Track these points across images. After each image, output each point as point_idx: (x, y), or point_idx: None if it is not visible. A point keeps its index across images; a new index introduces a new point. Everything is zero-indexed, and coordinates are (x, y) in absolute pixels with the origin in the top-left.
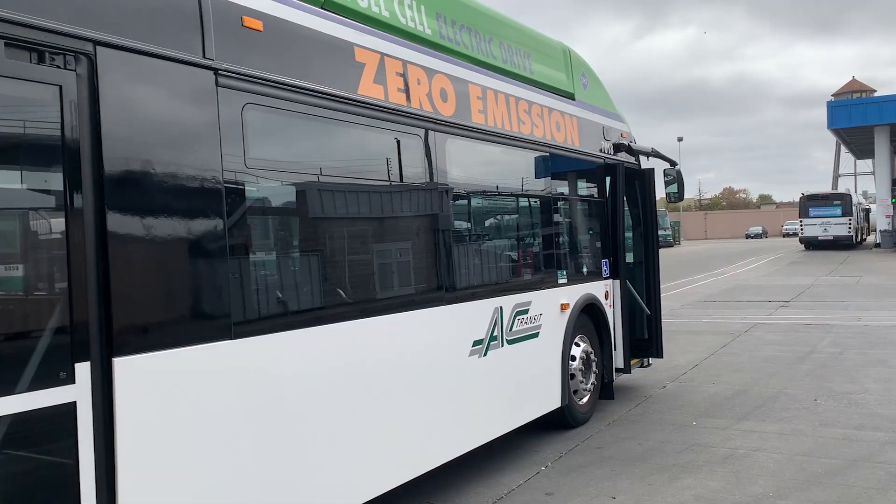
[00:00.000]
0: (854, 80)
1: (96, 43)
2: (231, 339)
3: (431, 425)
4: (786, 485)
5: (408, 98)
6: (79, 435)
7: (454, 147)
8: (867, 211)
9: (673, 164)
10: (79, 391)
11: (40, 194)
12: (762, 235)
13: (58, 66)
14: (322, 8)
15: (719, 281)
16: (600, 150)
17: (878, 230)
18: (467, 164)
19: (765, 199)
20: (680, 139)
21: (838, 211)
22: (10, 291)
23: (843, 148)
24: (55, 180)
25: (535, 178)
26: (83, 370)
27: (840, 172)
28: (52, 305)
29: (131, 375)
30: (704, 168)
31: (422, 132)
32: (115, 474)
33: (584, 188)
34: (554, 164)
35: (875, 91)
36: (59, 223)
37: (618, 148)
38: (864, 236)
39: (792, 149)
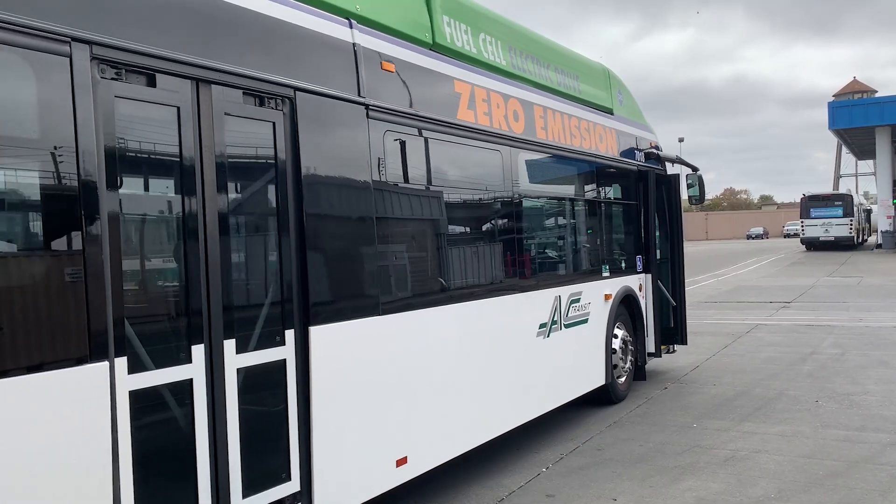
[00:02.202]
0: (855, 81)
1: (296, 89)
2: (380, 315)
3: (513, 392)
4: (787, 487)
5: (491, 120)
6: (287, 382)
7: (524, 160)
8: (868, 212)
9: (695, 169)
10: (287, 351)
11: (261, 201)
12: (763, 236)
13: (272, 108)
14: (431, 49)
15: (720, 282)
16: (634, 159)
17: (879, 231)
18: (534, 175)
19: (766, 200)
20: (681, 140)
21: (839, 212)
22: (244, 276)
23: (844, 148)
24: (271, 191)
25: (584, 184)
26: (290, 335)
27: (841, 173)
28: (272, 286)
29: (320, 339)
30: (705, 169)
31: (500, 148)
32: (309, 408)
33: (622, 192)
34: (598, 171)
35: (876, 92)
36: (273, 225)
37: (648, 156)
38: (866, 237)
39: (792, 149)
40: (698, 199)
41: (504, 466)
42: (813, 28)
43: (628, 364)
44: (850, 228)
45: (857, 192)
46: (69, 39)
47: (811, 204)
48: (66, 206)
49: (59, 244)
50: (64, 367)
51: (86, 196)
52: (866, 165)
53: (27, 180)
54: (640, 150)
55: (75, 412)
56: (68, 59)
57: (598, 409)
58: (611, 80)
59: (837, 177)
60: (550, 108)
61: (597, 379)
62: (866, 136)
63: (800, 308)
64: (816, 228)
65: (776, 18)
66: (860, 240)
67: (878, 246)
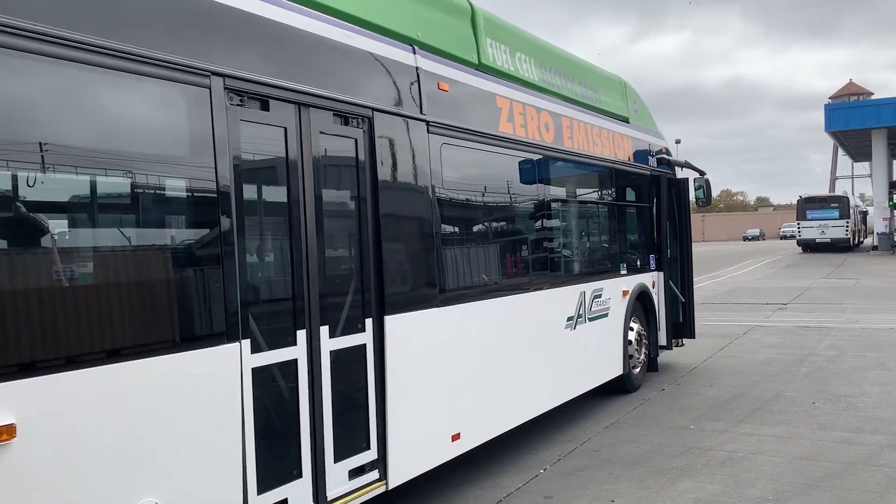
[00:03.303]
0: (851, 83)
1: (373, 110)
2: (438, 307)
3: (545, 378)
4: (784, 488)
5: (526, 131)
6: (367, 364)
7: (554, 167)
8: (864, 213)
9: (702, 173)
10: (367, 336)
11: (347, 207)
12: (760, 238)
13: (355, 126)
14: (477, 69)
15: (717, 283)
16: (648, 164)
17: (875, 233)
18: (563, 180)
19: (762, 202)
20: (678, 141)
21: (836, 213)
22: (335, 271)
23: (840, 150)
24: (354, 198)
25: (604, 188)
26: (369, 323)
27: (837, 175)
28: (355, 280)
29: (393, 327)
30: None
31: (533, 156)
32: (385, 387)
33: (637, 196)
34: (616, 176)
35: (872, 94)
36: (356, 227)
37: (660, 161)
38: (861, 239)
39: (788, 151)
40: (705, 202)
41: (502, 468)
42: (809, 30)
43: (642, 356)
44: (847, 230)
45: (853, 193)
46: (209, 74)
47: (808, 206)
48: (208, 212)
49: (206, 242)
50: (209, 346)
51: (223, 203)
52: (863, 167)
53: (177, 189)
54: (652, 156)
55: (216, 382)
56: (208, 90)
57: (597, 408)
58: (626, 91)
59: (834, 179)
60: (575, 119)
61: (615, 369)
62: (863, 138)
63: (796, 310)
64: (813, 230)
65: (772, 21)
66: (856, 242)
67: (875, 248)
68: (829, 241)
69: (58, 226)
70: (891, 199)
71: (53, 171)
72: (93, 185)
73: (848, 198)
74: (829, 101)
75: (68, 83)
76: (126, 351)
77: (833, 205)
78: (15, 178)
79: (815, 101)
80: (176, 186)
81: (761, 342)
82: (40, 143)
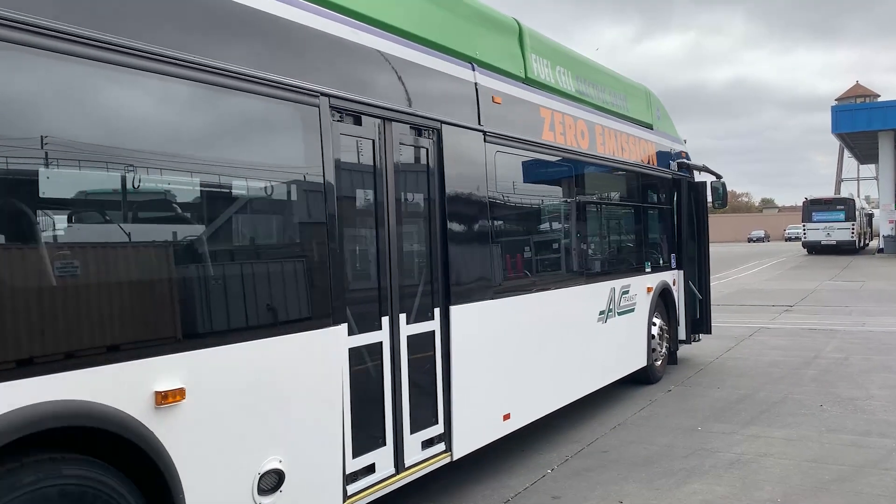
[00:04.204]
0: (858, 85)
1: (442, 122)
2: (491, 299)
3: (581, 367)
4: (793, 491)
5: (565, 139)
6: (435, 348)
7: (589, 171)
8: (870, 216)
9: (718, 177)
10: (435, 324)
11: (420, 209)
12: (764, 239)
13: (426, 137)
14: (523, 82)
15: (722, 284)
16: (669, 168)
17: (881, 235)
18: (597, 183)
19: (767, 203)
20: (684, 141)
21: (842, 216)
22: (411, 264)
23: (846, 153)
24: (425, 201)
25: (631, 191)
26: (437, 312)
27: (843, 177)
28: (426, 274)
29: (457, 316)
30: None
31: (571, 162)
32: (449, 369)
33: (660, 198)
34: (642, 180)
35: (879, 96)
36: (427, 226)
37: (680, 165)
38: (867, 241)
39: (790, 153)
40: (721, 204)
41: (509, 468)
42: (812, 32)
43: (664, 349)
44: (853, 233)
45: (858, 196)
46: (319, 94)
47: (814, 208)
48: (320, 215)
49: (318, 241)
50: (320, 328)
51: (330, 207)
52: (868, 170)
53: (299, 195)
54: (673, 160)
55: (325, 358)
56: (317, 108)
57: (604, 409)
58: (650, 99)
59: (839, 181)
60: (607, 127)
61: (639, 361)
62: (870, 140)
63: (802, 312)
64: (818, 232)
65: (776, 21)
66: (861, 244)
67: (880, 250)
68: (834, 243)
69: (220, 228)
70: None
71: (202, 178)
72: (229, 192)
73: (854, 200)
74: (836, 102)
75: (226, 105)
76: (262, 331)
77: (839, 207)
78: (199, 191)
79: (818, 103)
80: (297, 192)
81: (767, 344)
82: (210, 157)
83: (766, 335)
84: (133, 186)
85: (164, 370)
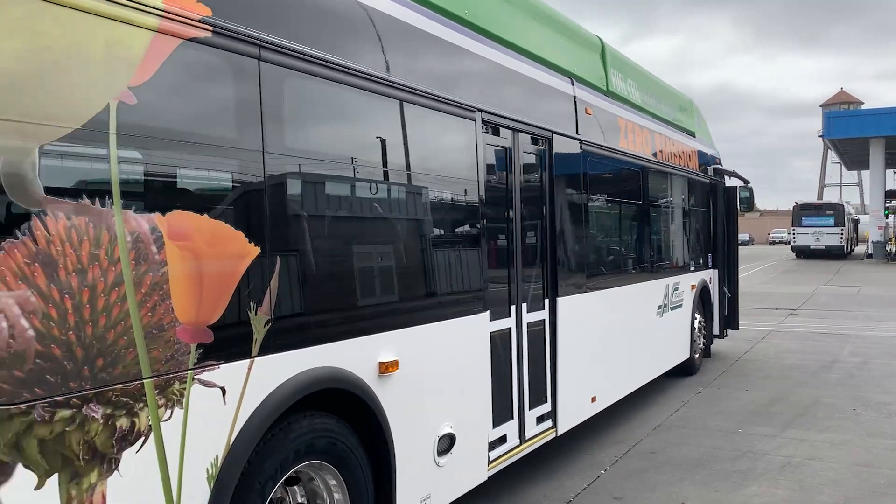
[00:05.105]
0: (843, 92)
1: (553, 132)
2: (585, 292)
3: (645, 355)
4: (852, 494)
5: (634, 146)
6: (545, 334)
7: (652, 177)
8: (856, 222)
9: (746, 182)
10: (546, 314)
11: (537, 209)
12: (749, 242)
13: (541, 146)
14: (605, 95)
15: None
16: (707, 173)
17: (869, 241)
18: (656, 188)
19: None
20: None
21: (831, 221)
22: (529, 260)
23: (829, 158)
24: (540, 203)
25: (681, 194)
26: (547, 303)
27: (826, 182)
28: (538, 269)
29: (562, 306)
30: None
31: (639, 168)
32: (556, 354)
33: (701, 201)
34: (688, 184)
35: (863, 103)
36: (537, 226)
37: (716, 171)
38: (853, 247)
39: (772, 157)
40: (748, 208)
41: (561, 468)
42: (798, 39)
43: (701, 342)
44: (842, 238)
45: (839, 200)
46: (476, 109)
47: (803, 212)
48: (475, 217)
49: (475, 241)
50: (477, 314)
51: (482, 208)
52: (851, 176)
53: (463, 197)
54: (710, 166)
55: (479, 339)
56: (474, 122)
57: (636, 410)
58: (693, 108)
59: (822, 186)
60: (664, 135)
61: (684, 353)
62: (859, 146)
63: (808, 316)
64: (808, 237)
65: (762, 29)
66: (848, 249)
67: (869, 256)
68: (823, 247)
69: (421, 231)
70: (886, 208)
71: (404, 184)
72: (422, 198)
73: (843, 205)
74: (821, 108)
75: (419, 119)
76: (446, 313)
77: (829, 212)
78: (408, 198)
79: (801, 109)
80: (464, 196)
81: (782, 347)
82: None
83: (779, 338)
84: (375, 194)
85: (386, 344)
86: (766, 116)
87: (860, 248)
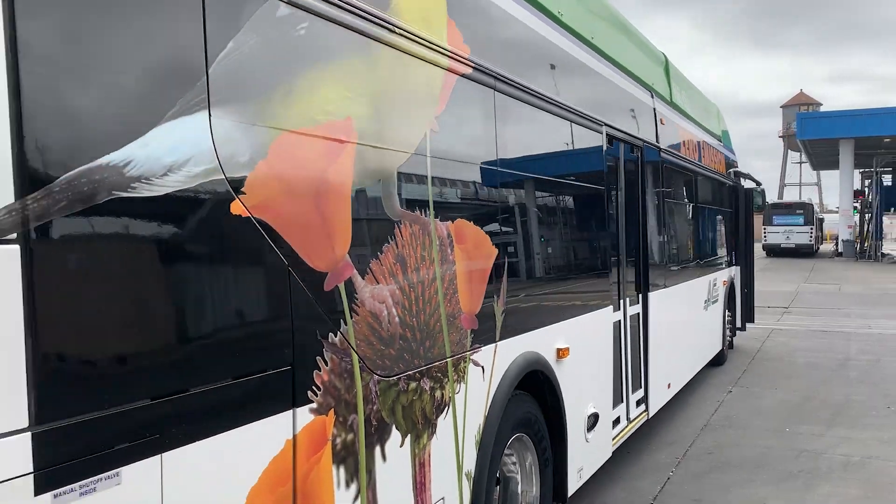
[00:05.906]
0: (802, 93)
1: (643, 141)
2: (665, 288)
3: (698, 345)
4: None
5: (689, 152)
6: (640, 326)
7: (699, 180)
8: (821, 220)
9: (758, 183)
10: (639, 307)
11: (634, 210)
12: None
13: (635, 154)
14: (670, 105)
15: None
16: (731, 176)
17: (839, 239)
18: (702, 191)
19: None
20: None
21: (801, 220)
22: (630, 260)
23: (789, 158)
24: (637, 204)
25: (716, 196)
26: (640, 297)
27: (786, 182)
28: (633, 268)
29: (651, 301)
30: None
31: (692, 173)
32: (648, 344)
33: (728, 202)
34: (720, 187)
35: (822, 105)
36: (635, 228)
37: (736, 174)
38: (819, 245)
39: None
40: (760, 207)
41: (627, 469)
42: (755, 41)
43: (728, 335)
44: (811, 236)
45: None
46: (603, 123)
47: (774, 211)
48: (605, 217)
49: (602, 242)
50: (603, 308)
51: (607, 210)
52: (811, 176)
53: (590, 199)
54: (731, 169)
55: (607, 329)
56: (602, 134)
57: (678, 410)
58: (719, 114)
59: (783, 185)
60: (705, 141)
61: (718, 344)
62: (828, 147)
63: (801, 314)
64: (778, 235)
65: (719, 30)
66: (816, 248)
67: (838, 254)
68: (793, 246)
69: (567, 233)
70: (855, 207)
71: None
72: (564, 200)
73: (813, 205)
74: (781, 109)
75: (579, 139)
76: (591, 307)
77: (798, 211)
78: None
79: (759, 109)
80: (601, 205)
81: (790, 345)
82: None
83: (783, 336)
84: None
85: (560, 333)
86: (726, 116)
87: (825, 247)
